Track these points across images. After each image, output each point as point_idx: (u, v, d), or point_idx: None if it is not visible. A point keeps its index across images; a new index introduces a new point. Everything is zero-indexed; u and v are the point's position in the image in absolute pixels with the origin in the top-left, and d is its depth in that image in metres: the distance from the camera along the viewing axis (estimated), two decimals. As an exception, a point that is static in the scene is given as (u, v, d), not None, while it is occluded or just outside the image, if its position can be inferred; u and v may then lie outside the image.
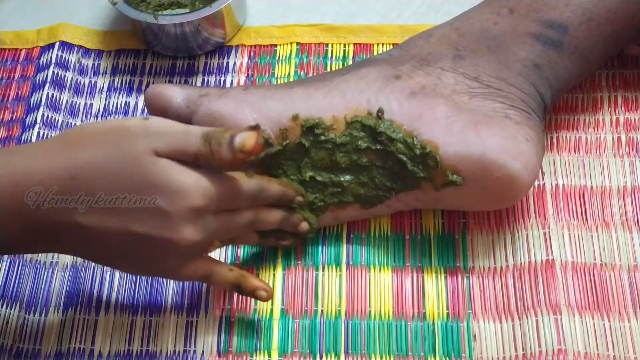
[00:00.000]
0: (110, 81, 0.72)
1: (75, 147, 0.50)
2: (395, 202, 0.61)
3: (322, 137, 0.58)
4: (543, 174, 0.64)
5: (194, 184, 0.50)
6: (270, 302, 0.60)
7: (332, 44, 0.73)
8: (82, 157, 0.49)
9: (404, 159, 0.58)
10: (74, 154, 0.50)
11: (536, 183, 0.64)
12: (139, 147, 0.49)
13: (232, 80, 0.72)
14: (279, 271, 0.62)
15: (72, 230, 0.50)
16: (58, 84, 0.72)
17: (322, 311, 0.60)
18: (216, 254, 0.62)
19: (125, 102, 0.71)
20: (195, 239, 0.51)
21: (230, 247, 0.63)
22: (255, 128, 0.51)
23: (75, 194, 0.49)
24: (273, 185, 0.57)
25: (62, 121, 0.70)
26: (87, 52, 0.74)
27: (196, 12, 0.69)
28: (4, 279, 0.62)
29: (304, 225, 0.60)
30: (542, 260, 0.61)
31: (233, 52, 0.73)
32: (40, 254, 0.63)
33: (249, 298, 0.60)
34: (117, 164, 0.49)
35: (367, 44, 0.73)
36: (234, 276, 0.56)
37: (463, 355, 0.58)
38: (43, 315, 0.61)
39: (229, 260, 0.62)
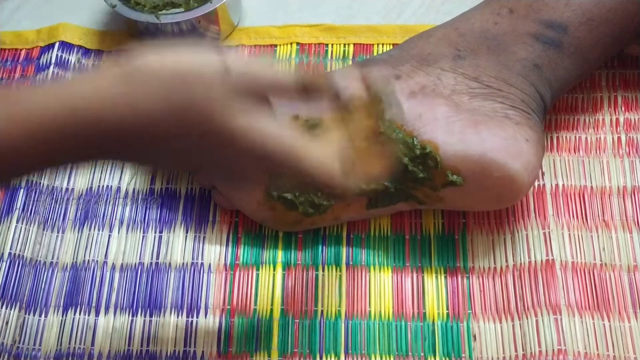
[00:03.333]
0: (110, 81, 0.72)
1: (138, 92, 0.43)
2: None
3: (322, 137, 0.58)
4: (543, 174, 0.64)
5: (262, 144, 0.45)
6: (270, 302, 0.60)
7: (332, 44, 0.73)
8: (144, 105, 0.43)
9: (404, 159, 0.58)
10: (136, 99, 0.43)
11: (536, 183, 0.64)
12: (215, 106, 0.44)
13: (232, 81, 0.72)
14: (279, 271, 0.62)
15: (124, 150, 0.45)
16: (58, 84, 0.72)
17: (322, 311, 0.60)
18: (215, 252, 0.62)
19: (125, 102, 0.71)
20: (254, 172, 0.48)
21: (230, 246, 0.63)
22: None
23: (134, 144, 0.44)
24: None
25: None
26: (86, 52, 0.74)
27: (195, 10, 0.69)
28: (4, 279, 0.62)
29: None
30: (542, 260, 0.61)
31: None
32: (40, 254, 0.63)
33: (248, 297, 0.60)
34: (188, 119, 0.43)
35: (367, 44, 0.73)
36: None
37: (463, 355, 0.58)
38: (43, 315, 0.61)
39: (228, 261, 0.62)
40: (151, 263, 0.63)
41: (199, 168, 0.51)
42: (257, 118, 0.45)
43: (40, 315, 0.61)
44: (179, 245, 0.63)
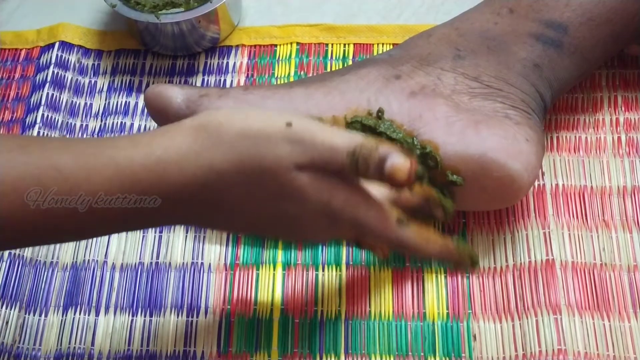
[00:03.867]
0: (110, 81, 0.72)
1: (213, 148, 0.46)
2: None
3: (322, 137, 0.58)
4: (543, 174, 0.64)
5: (328, 199, 0.47)
6: (270, 302, 0.60)
7: (332, 44, 0.73)
8: (218, 162, 0.46)
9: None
10: (211, 155, 0.46)
11: (536, 183, 0.64)
12: (280, 161, 0.46)
13: (232, 80, 0.72)
14: (279, 271, 0.62)
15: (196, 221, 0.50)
16: (58, 84, 0.72)
17: (322, 311, 0.60)
18: (215, 252, 0.62)
19: (125, 102, 0.71)
20: (324, 238, 0.51)
21: (230, 246, 0.63)
22: (410, 149, 0.48)
23: (202, 202, 0.47)
24: (428, 247, 0.52)
25: (62, 121, 0.70)
26: (86, 52, 0.74)
27: (195, 9, 0.69)
28: (4, 279, 0.62)
29: (466, 264, 0.55)
30: (542, 260, 0.61)
31: (233, 52, 0.73)
32: (40, 254, 0.63)
33: (248, 297, 0.60)
34: (255, 174, 0.46)
35: (367, 44, 0.73)
36: (354, 233, 0.52)
37: (463, 355, 0.58)
38: (43, 315, 0.61)
39: (228, 261, 0.62)
40: (151, 263, 0.63)
41: (264, 232, 0.53)
42: (318, 175, 0.47)
43: (40, 315, 0.61)
44: (179, 245, 0.63)
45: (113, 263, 0.63)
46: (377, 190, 0.51)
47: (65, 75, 0.72)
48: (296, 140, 0.46)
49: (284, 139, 0.46)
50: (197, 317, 0.60)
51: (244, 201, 0.48)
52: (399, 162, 0.46)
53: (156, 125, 0.60)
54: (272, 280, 0.61)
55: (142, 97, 0.70)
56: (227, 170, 0.46)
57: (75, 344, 0.59)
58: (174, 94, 0.59)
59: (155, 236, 0.64)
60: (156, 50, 0.73)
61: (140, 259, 0.63)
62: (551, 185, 0.64)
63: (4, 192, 0.45)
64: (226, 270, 0.62)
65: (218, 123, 0.47)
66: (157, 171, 0.46)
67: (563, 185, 0.64)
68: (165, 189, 0.46)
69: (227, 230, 0.55)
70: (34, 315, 0.61)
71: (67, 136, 0.69)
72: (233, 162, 0.46)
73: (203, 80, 0.72)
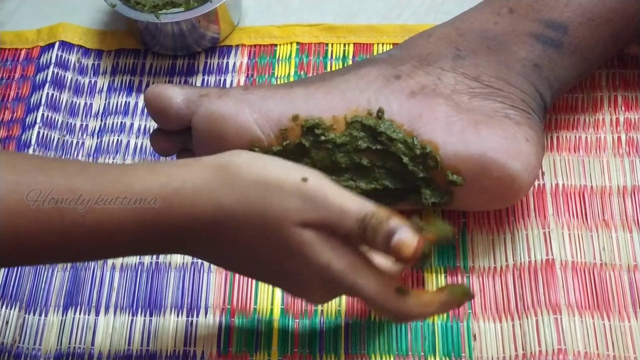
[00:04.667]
0: (110, 81, 0.72)
1: (227, 188, 0.47)
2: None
3: (322, 138, 0.58)
4: (543, 174, 0.64)
5: (327, 262, 0.48)
6: (270, 302, 0.60)
7: (332, 44, 0.73)
8: (229, 203, 0.47)
9: (404, 159, 0.58)
10: (223, 197, 0.47)
11: (536, 183, 0.64)
12: (289, 214, 0.47)
13: (232, 80, 0.72)
14: (279, 271, 0.62)
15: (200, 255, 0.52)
16: (58, 83, 0.72)
17: (322, 311, 0.60)
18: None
19: (125, 102, 0.71)
20: (328, 300, 0.52)
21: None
22: (418, 228, 0.47)
23: (208, 238, 0.48)
24: (427, 311, 0.51)
25: (62, 121, 0.70)
26: (86, 52, 0.74)
27: (195, 9, 0.69)
28: (4, 279, 0.62)
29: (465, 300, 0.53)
30: (542, 260, 0.61)
31: (233, 52, 0.73)
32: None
33: (248, 297, 0.60)
34: (262, 222, 0.47)
35: (367, 44, 0.73)
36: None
37: (463, 355, 0.58)
38: (43, 315, 0.61)
39: (229, 260, 0.62)
40: (151, 263, 0.63)
41: (262, 280, 0.55)
42: (323, 236, 0.47)
43: (40, 315, 0.61)
44: (179, 245, 0.63)
45: (113, 263, 0.63)
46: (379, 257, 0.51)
47: (65, 75, 0.72)
48: (308, 197, 0.47)
49: (296, 193, 0.47)
50: (197, 317, 0.60)
51: (248, 248, 0.49)
52: (407, 237, 0.46)
53: (156, 125, 0.60)
54: (272, 280, 0.61)
55: (142, 97, 0.70)
56: (235, 213, 0.47)
57: (75, 344, 0.59)
58: (174, 93, 0.59)
59: (155, 236, 0.64)
60: (156, 50, 0.73)
61: (140, 259, 0.63)
62: (551, 185, 0.64)
63: (22, 212, 0.46)
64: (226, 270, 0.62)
65: (236, 166, 0.48)
66: (172, 202, 0.47)
67: (563, 185, 0.64)
68: (175, 219, 0.47)
69: (227, 269, 0.56)
70: (34, 315, 0.61)
71: (67, 136, 0.69)
72: (242, 206, 0.47)
73: (203, 80, 0.72)
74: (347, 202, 0.47)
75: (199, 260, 0.62)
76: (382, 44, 0.73)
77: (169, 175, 0.48)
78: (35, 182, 0.47)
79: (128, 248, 0.50)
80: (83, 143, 0.69)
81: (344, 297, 0.60)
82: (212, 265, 0.62)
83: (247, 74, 0.72)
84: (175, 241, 0.49)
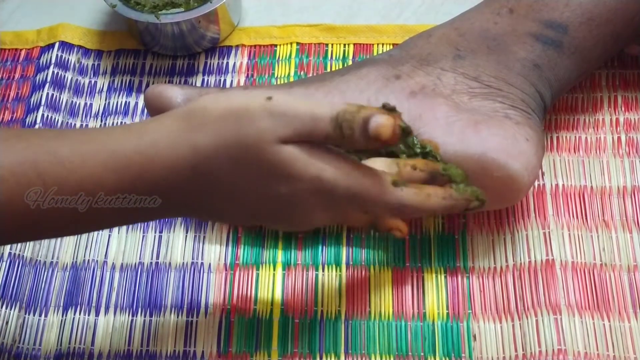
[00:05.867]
0: (110, 81, 0.72)
1: (197, 130, 0.47)
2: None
3: (322, 137, 0.58)
4: (543, 174, 0.64)
5: (317, 173, 0.47)
6: (270, 302, 0.60)
7: (332, 44, 0.73)
8: (203, 143, 0.47)
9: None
10: (196, 138, 0.47)
11: (536, 183, 0.64)
12: (262, 135, 0.46)
13: (232, 81, 0.72)
14: (279, 271, 0.62)
15: (192, 213, 0.50)
16: (58, 84, 0.72)
17: (322, 311, 0.60)
18: (215, 252, 0.63)
19: (125, 102, 0.71)
20: (326, 220, 0.50)
21: (230, 246, 0.63)
22: (391, 110, 0.47)
23: (193, 185, 0.47)
24: (430, 202, 0.50)
25: (62, 121, 0.70)
26: (86, 52, 0.74)
27: (195, 9, 0.69)
28: (4, 279, 0.62)
29: (474, 205, 0.53)
30: (542, 260, 0.61)
31: (233, 52, 0.73)
32: (39, 254, 0.63)
33: (248, 297, 0.60)
34: (241, 152, 0.46)
35: (367, 44, 0.73)
36: (368, 218, 0.52)
37: (463, 355, 0.58)
38: (43, 315, 0.61)
39: (228, 261, 0.62)
40: (151, 263, 0.63)
41: (262, 219, 0.52)
42: (304, 148, 0.47)
43: (40, 315, 0.61)
44: (179, 245, 0.63)
45: (113, 263, 0.63)
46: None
47: (65, 75, 0.72)
48: (278, 113, 0.46)
49: (265, 112, 0.46)
50: (197, 317, 0.60)
51: (235, 183, 0.47)
52: (382, 119, 0.46)
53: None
54: (272, 280, 0.61)
55: (142, 97, 0.70)
56: (213, 150, 0.47)
57: (75, 344, 0.59)
58: (174, 94, 0.59)
59: (155, 236, 0.64)
60: (156, 51, 0.73)
61: (140, 259, 0.63)
62: (551, 185, 0.64)
63: (2, 177, 0.46)
64: (226, 270, 0.62)
65: (203, 107, 0.47)
66: (149, 154, 0.47)
67: (563, 185, 0.64)
68: (158, 173, 0.47)
69: (225, 220, 0.54)
70: (34, 315, 0.61)
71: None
72: (217, 141, 0.46)
73: (203, 80, 0.72)
74: (316, 108, 0.47)
75: (199, 260, 0.62)
76: (382, 44, 0.73)
77: (142, 130, 0.48)
78: (14, 149, 0.47)
79: (112, 212, 0.49)
80: (83, 143, 0.69)
81: (344, 298, 0.60)
82: (212, 265, 0.62)
83: (247, 74, 0.72)
84: (161, 195, 0.48)
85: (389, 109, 0.47)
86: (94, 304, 0.61)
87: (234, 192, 0.48)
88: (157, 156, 0.47)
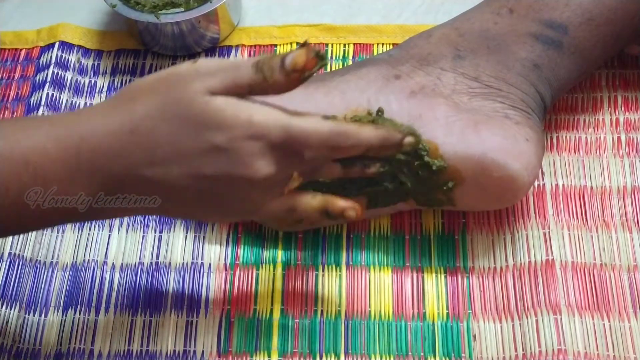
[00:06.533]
0: (110, 81, 0.72)
1: (130, 102, 0.49)
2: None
3: (322, 137, 0.58)
4: (543, 174, 0.64)
5: (248, 117, 0.48)
6: (270, 302, 0.60)
7: (332, 44, 0.73)
8: (138, 109, 0.49)
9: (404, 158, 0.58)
10: (130, 107, 0.49)
11: (536, 183, 0.64)
12: (192, 89, 0.48)
13: (232, 80, 0.72)
14: (279, 271, 0.62)
15: (141, 185, 0.50)
16: (58, 84, 0.72)
17: (322, 311, 0.60)
18: (215, 252, 0.63)
19: (125, 102, 0.71)
20: (269, 171, 0.50)
21: (230, 245, 0.63)
22: (304, 44, 0.49)
23: (136, 150, 0.49)
24: (362, 131, 0.51)
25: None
26: (86, 52, 0.74)
27: (195, 9, 0.69)
28: (4, 279, 0.62)
29: (409, 140, 0.53)
30: (542, 260, 0.61)
31: (233, 52, 0.73)
32: (40, 254, 0.63)
33: (248, 297, 0.60)
34: (173, 109, 0.48)
35: (367, 44, 0.73)
36: (319, 202, 0.53)
37: (463, 355, 0.58)
38: (43, 315, 0.61)
39: (228, 261, 0.62)
40: (151, 263, 0.63)
41: (209, 194, 0.52)
42: (233, 98, 0.49)
43: (40, 315, 0.61)
44: (179, 245, 0.63)
45: (113, 263, 0.63)
46: None
47: (65, 75, 0.72)
48: (204, 68, 0.49)
49: (192, 70, 0.49)
50: (197, 317, 0.60)
51: (175, 143, 0.48)
52: (296, 52, 0.49)
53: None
54: (272, 280, 0.61)
55: (142, 97, 0.70)
56: (147, 114, 0.49)
57: (75, 343, 0.59)
58: None
59: (155, 236, 0.64)
60: (156, 50, 0.73)
61: (140, 259, 0.63)
62: (551, 185, 0.64)
63: None
64: (226, 270, 0.62)
65: (134, 84, 0.51)
66: (87, 123, 0.49)
67: (563, 185, 0.64)
68: (100, 139, 0.49)
69: (171, 201, 0.52)
70: (34, 315, 0.61)
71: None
72: (150, 105, 0.49)
73: (203, 80, 0.72)
74: (239, 60, 0.50)
75: (199, 260, 0.62)
76: (382, 44, 0.73)
77: (80, 109, 0.52)
78: None
79: (63, 191, 0.49)
80: (83, 143, 0.69)
81: (344, 298, 0.60)
82: (212, 265, 0.62)
83: (247, 74, 0.72)
84: (106, 174, 0.49)
85: (301, 44, 0.50)
86: (94, 304, 0.61)
87: (176, 154, 0.49)
88: (96, 124, 0.49)
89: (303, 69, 0.49)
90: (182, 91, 0.48)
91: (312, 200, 0.53)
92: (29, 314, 0.61)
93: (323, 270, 0.62)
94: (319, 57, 0.49)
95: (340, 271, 0.62)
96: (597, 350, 0.57)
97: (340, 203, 0.53)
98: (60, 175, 0.48)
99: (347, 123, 0.51)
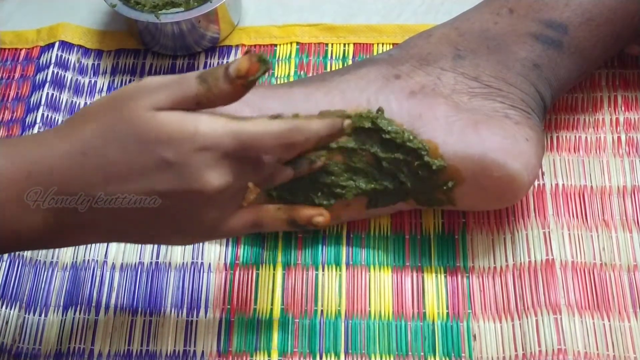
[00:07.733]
0: (110, 81, 0.72)
1: (81, 124, 0.49)
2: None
3: (322, 137, 0.58)
4: (543, 174, 0.64)
5: (194, 128, 0.48)
6: (270, 302, 0.60)
7: (332, 44, 0.73)
8: (88, 130, 0.49)
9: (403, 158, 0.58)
10: (81, 129, 0.49)
11: (536, 183, 0.64)
12: (138, 107, 0.48)
13: (232, 80, 0.72)
14: (279, 271, 0.62)
15: (95, 211, 0.49)
16: (58, 83, 0.72)
17: (322, 311, 0.60)
18: (215, 252, 0.63)
19: (125, 102, 0.71)
20: (221, 182, 0.49)
21: (230, 245, 0.63)
22: (247, 52, 0.50)
23: (90, 170, 0.49)
24: (312, 123, 0.51)
25: (62, 121, 0.70)
26: (86, 51, 0.74)
27: (195, 9, 0.69)
28: (4, 279, 0.62)
29: (348, 122, 0.53)
30: (542, 260, 0.61)
31: (233, 51, 0.73)
32: (39, 254, 0.63)
33: (248, 297, 0.60)
34: (122, 127, 0.48)
35: (367, 44, 0.73)
36: (284, 212, 0.53)
37: (463, 355, 0.58)
38: (43, 315, 0.61)
39: (228, 261, 0.62)
40: (151, 263, 0.63)
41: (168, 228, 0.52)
42: (178, 112, 0.49)
43: (40, 315, 0.61)
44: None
45: (113, 263, 0.63)
46: None
47: (65, 75, 0.72)
48: (149, 87, 0.49)
49: (137, 89, 0.49)
50: (197, 317, 0.60)
51: (128, 163, 0.48)
52: (239, 60, 0.48)
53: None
54: (272, 280, 0.61)
55: (142, 97, 0.70)
56: (96, 135, 0.49)
57: (75, 343, 0.59)
58: None
59: (155, 236, 0.64)
60: (156, 50, 0.73)
61: (140, 258, 0.63)
62: (551, 185, 0.64)
63: None
64: (226, 270, 0.62)
65: (83, 109, 0.51)
66: (40, 147, 0.49)
67: (563, 185, 0.64)
68: (52, 161, 0.49)
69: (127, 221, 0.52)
70: (34, 315, 0.61)
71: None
72: (99, 126, 0.49)
73: (203, 80, 0.72)
74: (185, 74, 0.50)
75: (199, 260, 0.62)
76: (382, 44, 0.73)
77: (35, 136, 0.52)
78: None
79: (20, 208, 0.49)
80: (83, 143, 0.69)
81: (344, 297, 0.60)
82: (212, 265, 0.62)
83: (247, 74, 0.72)
84: (62, 184, 0.49)
85: (245, 53, 0.50)
86: (94, 304, 0.61)
87: (129, 171, 0.49)
88: (49, 147, 0.49)
89: (247, 74, 0.48)
90: (128, 109, 0.48)
91: (277, 212, 0.53)
92: (29, 314, 0.61)
93: (323, 270, 0.62)
94: (262, 62, 0.49)
95: (340, 271, 0.62)
96: (597, 350, 0.57)
97: (306, 211, 0.53)
98: (11, 197, 0.49)
99: (294, 119, 0.51)
